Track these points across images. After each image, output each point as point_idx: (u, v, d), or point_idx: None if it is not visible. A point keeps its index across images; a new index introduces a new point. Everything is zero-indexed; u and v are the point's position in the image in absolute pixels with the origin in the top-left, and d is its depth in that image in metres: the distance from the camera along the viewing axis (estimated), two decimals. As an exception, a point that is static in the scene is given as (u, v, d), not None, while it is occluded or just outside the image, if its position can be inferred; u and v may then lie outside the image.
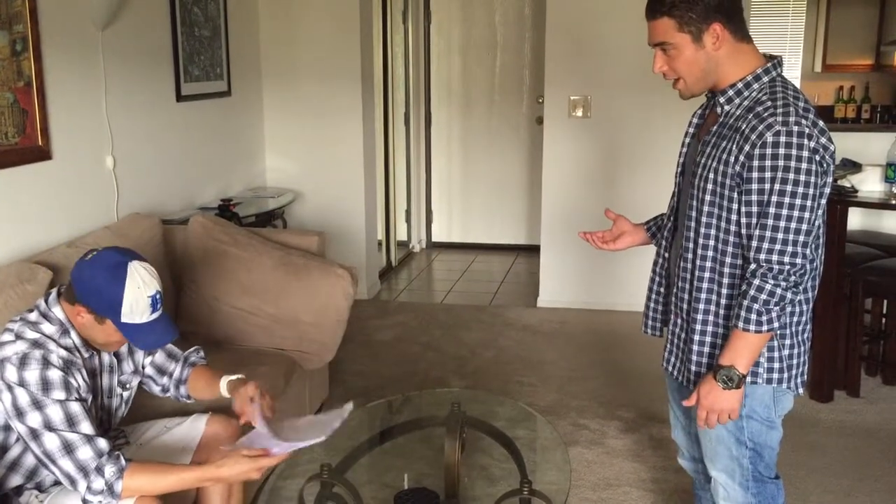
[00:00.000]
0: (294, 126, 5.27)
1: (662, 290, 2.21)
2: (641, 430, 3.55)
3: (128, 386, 2.23)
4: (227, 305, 3.20)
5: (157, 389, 2.33)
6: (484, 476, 2.44)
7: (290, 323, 3.20)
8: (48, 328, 1.97)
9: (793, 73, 7.79)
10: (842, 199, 3.74)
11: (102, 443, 1.90)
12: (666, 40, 1.88)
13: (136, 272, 1.96)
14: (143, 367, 2.28)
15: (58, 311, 2.00)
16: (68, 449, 1.87)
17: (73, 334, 2.01)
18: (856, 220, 4.69)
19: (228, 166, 4.78)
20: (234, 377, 2.23)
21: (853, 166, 4.06)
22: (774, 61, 1.91)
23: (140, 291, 1.95)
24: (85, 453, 1.87)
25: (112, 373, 2.17)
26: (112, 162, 3.53)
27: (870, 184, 4.03)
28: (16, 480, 2.03)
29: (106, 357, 2.14)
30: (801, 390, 1.97)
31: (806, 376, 1.98)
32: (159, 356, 2.31)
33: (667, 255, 2.18)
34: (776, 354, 1.92)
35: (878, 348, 4.13)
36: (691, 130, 2.09)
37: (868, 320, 4.12)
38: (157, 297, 2.00)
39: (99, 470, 1.87)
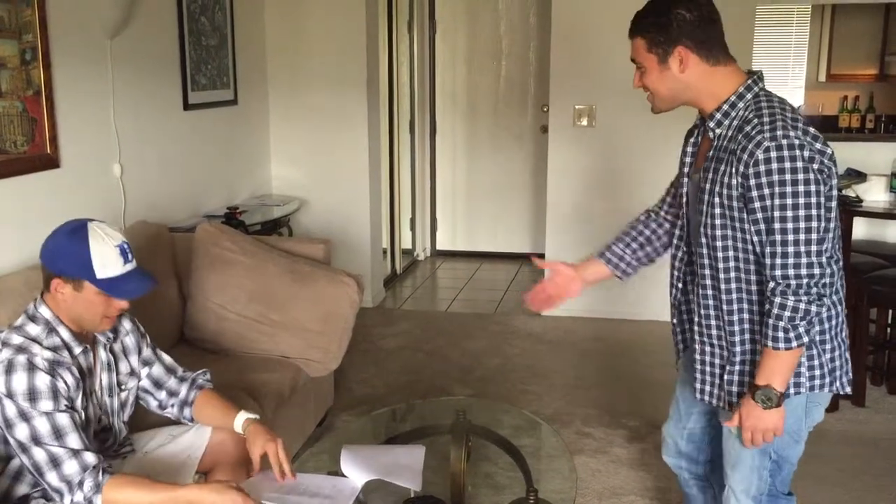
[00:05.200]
0: (300, 134, 5.29)
1: (685, 317, 2.19)
2: (647, 438, 3.55)
3: (124, 387, 2.20)
4: (233, 313, 3.21)
5: (154, 405, 2.29)
6: (489, 484, 2.44)
7: (296, 331, 3.20)
8: (33, 329, 1.98)
9: (797, 82, 7.80)
10: (846, 209, 3.75)
11: (90, 457, 1.91)
12: (637, 59, 1.94)
13: (96, 228, 1.99)
14: (141, 376, 2.25)
15: (44, 311, 2.00)
16: (55, 463, 1.88)
17: (62, 330, 2.00)
18: (860, 229, 4.69)
19: (234, 174, 4.80)
20: (251, 416, 2.20)
21: (857, 176, 4.08)
22: (755, 76, 1.90)
23: (105, 243, 1.97)
24: (70, 468, 1.88)
25: (111, 371, 2.16)
26: (119, 170, 3.55)
27: (874, 193, 4.05)
28: (22, 489, 2.03)
29: (103, 354, 2.13)
30: (848, 389, 1.95)
31: (850, 374, 1.97)
32: (157, 368, 2.27)
33: (680, 285, 2.16)
34: (816, 362, 1.90)
35: (884, 358, 4.13)
36: (687, 160, 2.08)
37: (873, 330, 4.11)
38: (125, 246, 2.01)
39: (81, 484, 1.88)
